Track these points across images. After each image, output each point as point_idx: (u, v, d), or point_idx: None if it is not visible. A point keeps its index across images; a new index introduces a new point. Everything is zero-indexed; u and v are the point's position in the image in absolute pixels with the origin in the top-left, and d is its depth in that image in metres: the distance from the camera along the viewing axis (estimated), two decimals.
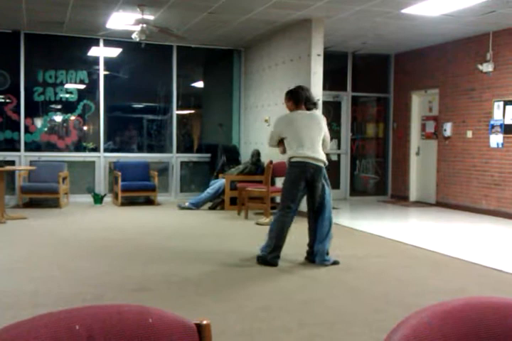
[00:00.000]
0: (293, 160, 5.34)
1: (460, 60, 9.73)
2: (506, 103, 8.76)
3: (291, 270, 5.22)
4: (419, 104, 11.07)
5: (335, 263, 5.38)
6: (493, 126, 9.00)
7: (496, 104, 8.96)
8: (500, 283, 4.87)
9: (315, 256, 5.38)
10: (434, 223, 8.40)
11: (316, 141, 5.36)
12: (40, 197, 9.44)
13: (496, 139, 8.93)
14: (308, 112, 5.45)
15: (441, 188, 10.25)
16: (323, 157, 5.38)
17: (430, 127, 10.65)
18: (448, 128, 10.00)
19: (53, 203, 9.27)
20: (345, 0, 7.30)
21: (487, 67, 9.05)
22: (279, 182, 9.16)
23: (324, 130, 5.44)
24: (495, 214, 8.90)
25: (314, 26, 8.48)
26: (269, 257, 5.28)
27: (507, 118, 8.75)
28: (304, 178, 5.31)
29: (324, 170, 5.40)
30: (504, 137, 8.79)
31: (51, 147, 10.30)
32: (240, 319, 3.77)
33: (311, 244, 5.47)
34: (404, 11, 7.72)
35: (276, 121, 5.61)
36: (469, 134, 9.52)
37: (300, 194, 5.38)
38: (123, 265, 5.33)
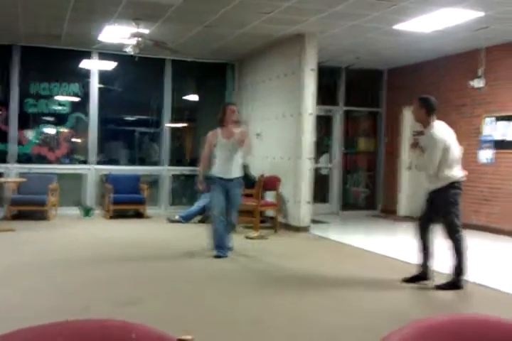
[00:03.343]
0: (458, 180, 5.07)
1: (452, 75, 9.79)
2: (498, 119, 8.81)
3: (281, 285, 5.19)
4: (410, 119, 11.09)
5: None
6: (482, 142, 9.03)
7: (486, 119, 9.01)
8: (487, 299, 4.85)
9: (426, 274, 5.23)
10: None
11: None
12: (29, 210, 9.36)
13: (485, 155, 8.97)
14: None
15: None
16: None
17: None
18: None
19: (41, 215, 9.19)
20: (338, 16, 7.35)
21: (478, 83, 9.09)
22: (269, 195, 9.14)
23: None
24: (484, 229, 8.89)
25: (308, 41, 8.52)
26: (458, 281, 5.04)
27: (497, 134, 8.80)
28: None
29: None
30: (495, 153, 8.83)
31: (41, 159, 10.24)
32: (229, 333, 3.73)
33: (425, 263, 5.23)
34: (396, 27, 7.78)
35: (440, 134, 5.12)
36: None
37: None
38: (110, 278, 5.29)
